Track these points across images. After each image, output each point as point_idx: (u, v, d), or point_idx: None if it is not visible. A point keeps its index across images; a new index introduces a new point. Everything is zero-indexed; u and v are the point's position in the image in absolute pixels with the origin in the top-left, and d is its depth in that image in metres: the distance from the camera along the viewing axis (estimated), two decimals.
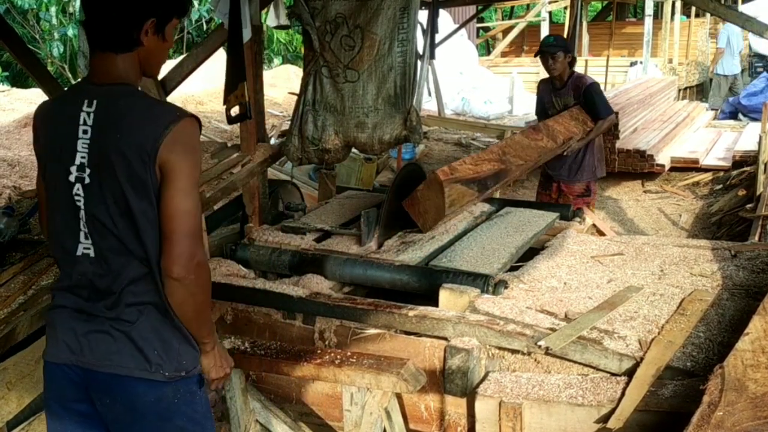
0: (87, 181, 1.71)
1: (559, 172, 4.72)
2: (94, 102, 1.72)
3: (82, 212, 1.72)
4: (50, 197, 1.80)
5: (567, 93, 4.77)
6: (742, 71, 17.13)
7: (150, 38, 1.75)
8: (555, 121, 4.35)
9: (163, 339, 1.74)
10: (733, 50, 11.51)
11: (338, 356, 2.23)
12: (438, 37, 9.36)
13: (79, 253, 1.75)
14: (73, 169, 1.71)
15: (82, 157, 1.71)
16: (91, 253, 1.74)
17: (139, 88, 1.83)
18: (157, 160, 1.66)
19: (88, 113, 1.71)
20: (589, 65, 11.76)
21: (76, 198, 1.72)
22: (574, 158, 4.69)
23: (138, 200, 1.67)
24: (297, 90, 4.36)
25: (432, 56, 9.13)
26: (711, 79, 10.98)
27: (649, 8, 13.66)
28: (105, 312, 1.74)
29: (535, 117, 5.53)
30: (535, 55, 4.86)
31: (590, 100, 4.66)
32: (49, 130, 1.77)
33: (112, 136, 1.68)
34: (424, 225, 3.13)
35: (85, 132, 1.71)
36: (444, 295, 2.56)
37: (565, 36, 8.96)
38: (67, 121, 1.73)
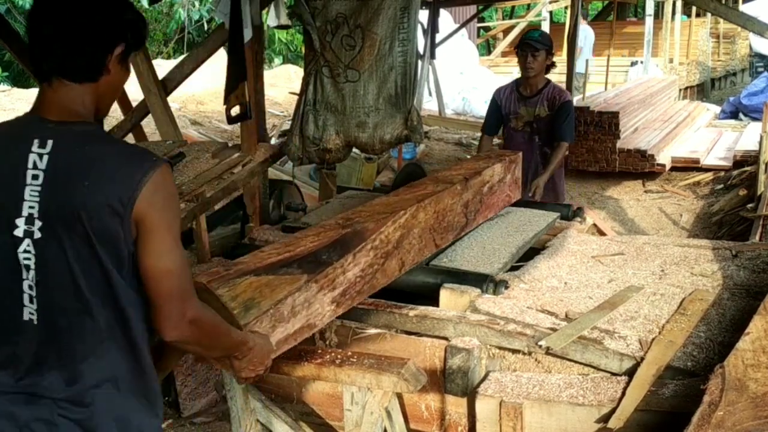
0: (38, 235, 1.47)
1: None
2: (49, 143, 1.47)
3: (32, 272, 1.49)
4: None
5: (540, 103, 4.22)
6: (743, 70, 17.19)
7: (115, 67, 1.55)
8: (450, 169, 3.31)
9: (120, 419, 1.54)
10: (584, 51, 11.56)
11: (339, 356, 2.23)
12: (438, 37, 9.37)
13: (25, 317, 1.51)
14: (20, 221, 1.47)
15: (31, 207, 1.47)
16: (35, 319, 1.50)
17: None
18: (133, 213, 1.47)
19: (40, 155, 1.47)
20: (590, 65, 11.75)
21: (24, 256, 1.48)
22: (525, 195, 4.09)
23: (108, 258, 1.48)
24: (298, 90, 4.37)
25: (432, 56, 9.14)
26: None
27: (649, 8, 13.67)
28: (53, 391, 1.49)
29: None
30: (518, 49, 4.27)
31: (562, 117, 4.16)
32: None
33: (78, 184, 1.45)
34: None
35: (35, 177, 1.46)
36: (444, 294, 2.56)
37: (565, 36, 8.95)
38: (12, 164, 1.48)
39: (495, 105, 4.43)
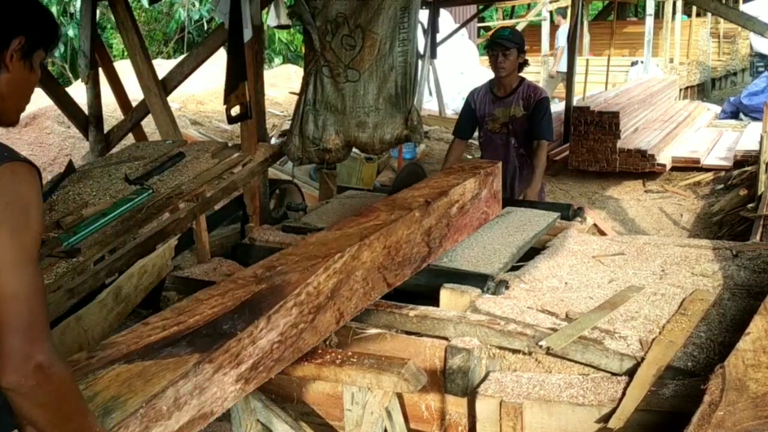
0: None
1: None
2: None
3: None
4: None
5: (515, 102, 4.08)
6: (743, 70, 17.20)
7: (16, 63, 1.37)
8: (413, 188, 2.92)
9: None
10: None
11: (339, 356, 2.23)
12: (439, 37, 9.37)
13: None
14: None
15: None
16: None
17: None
18: None
19: None
20: (590, 65, 11.76)
21: None
22: (520, 188, 4.11)
23: None
24: (298, 89, 4.37)
25: (434, 56, 9.14)
26: (551, 76, 11.63)
27: (650, 8, 13.68)
28: None
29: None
30: (488, 50, 4.15)
31: (539, 115, 4.03)
32: None
33: None
34: None
35: None
36: (445, 294, 2.56)
37: (566, 36, 8.95)
38: None
39: (468, 107, 4.29)
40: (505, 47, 3.99)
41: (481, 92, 4.28)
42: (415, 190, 2.81)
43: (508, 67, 4.03)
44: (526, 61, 4.17)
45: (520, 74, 4.19)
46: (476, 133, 4.49)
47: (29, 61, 1.41)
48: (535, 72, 13.14)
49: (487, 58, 4.43)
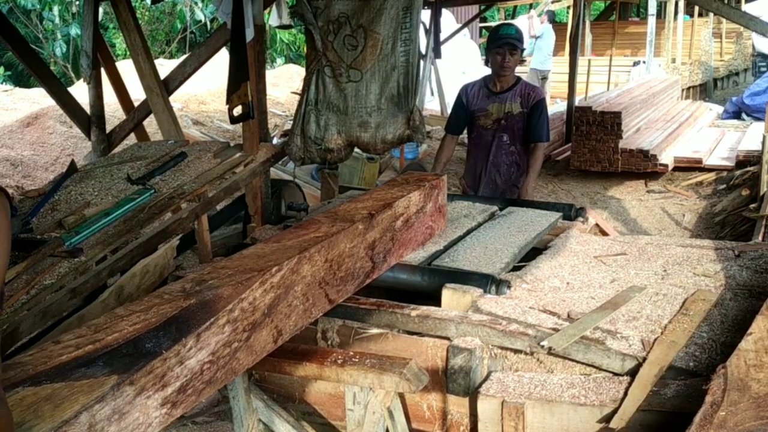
0: None
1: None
2: None
3: None
4: None
5: (512, 99, 4.06)
6: (745, 70, 17.19)
7: None
8: (355, 200, 2.74)
9: None
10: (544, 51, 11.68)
11: (341, 356, 2.23)
12: (441, 37, 9.37)
13: None
14: None
15: None
16: None
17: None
18: None
19: None
20: (592, 65, 11.76)
21: None
22: (507, 186, 4.16)
23: None
24: (299, 89, 4.37)
25: (438, 55, 9.15)
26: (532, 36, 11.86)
27: (652, 8, 13.68)
28: None
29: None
30: (493, 46, 4.05)
31: (538, 116, 4.04)
32: None
33: None
34: None
35: None
36: (446, 294, 2.56)
37: (567, 36, 8.94)
38: None
39: (461, 102, 4.25)
40: (514, 47, 3.97)
41: (475, 87, 4.25)
42: (358, 202, 2.64)
43: (513, 66, 4.03)
44: (524, 59, 4.21)
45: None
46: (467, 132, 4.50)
47: None
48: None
49: (484, 58, 4.39)
